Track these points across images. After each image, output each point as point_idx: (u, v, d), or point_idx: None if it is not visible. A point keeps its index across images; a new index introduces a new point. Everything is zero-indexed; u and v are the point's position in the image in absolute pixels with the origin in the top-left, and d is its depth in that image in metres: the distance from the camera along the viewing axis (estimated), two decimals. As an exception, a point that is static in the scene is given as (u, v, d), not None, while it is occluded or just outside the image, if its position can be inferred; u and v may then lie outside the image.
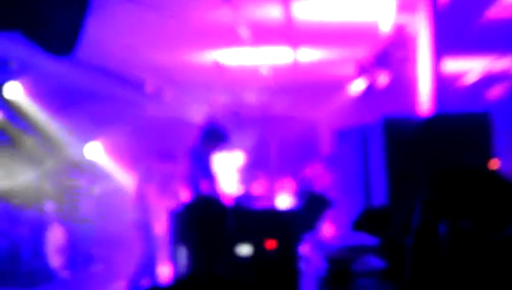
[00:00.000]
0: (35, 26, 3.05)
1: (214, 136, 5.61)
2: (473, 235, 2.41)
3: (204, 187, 5.10)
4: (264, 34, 6.68)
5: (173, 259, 3.69)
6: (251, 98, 11.23)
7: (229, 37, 6.80)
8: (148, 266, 6.71)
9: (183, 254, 3.35)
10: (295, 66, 8.83)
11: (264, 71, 8.79)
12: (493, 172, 3.89)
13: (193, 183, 5.21)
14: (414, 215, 2.39)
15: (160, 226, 6.22)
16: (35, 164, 8.18)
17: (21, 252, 7.05)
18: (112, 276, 7.95)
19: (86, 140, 9.25)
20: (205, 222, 2.26)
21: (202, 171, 5.35)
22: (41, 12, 3.04)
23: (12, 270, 6.97)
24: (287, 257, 3.51)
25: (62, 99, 8.34)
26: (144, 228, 6.70)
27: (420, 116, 4.75)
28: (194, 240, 2.25)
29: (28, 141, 8.23)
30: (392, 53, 6.90)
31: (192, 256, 2.18)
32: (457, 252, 2.29)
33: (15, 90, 7.55)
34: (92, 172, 9.37)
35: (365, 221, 3.30)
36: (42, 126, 8.39)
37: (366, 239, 2.97)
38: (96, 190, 9.45)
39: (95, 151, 9.52)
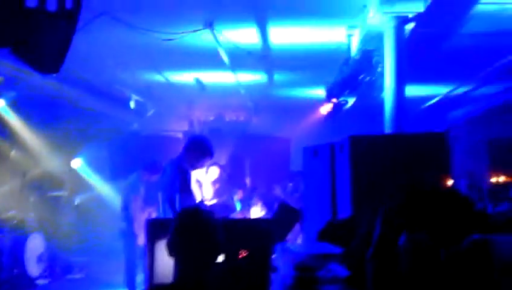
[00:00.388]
0: (24, 44, 3.07)
1: (199, 150, 5.24)
2: (429, 248, 2.51)
3: (182, 200, 5.01)
4: (242, 59, 6.80)
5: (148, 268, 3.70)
6: (230, 115, 11.33)
7: (210, 60, 6.90)
8: (129, 275, 6.69)
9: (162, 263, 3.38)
10: (270, 86, 8.97)
11: (242, 91, 8.91)
12: (450, 189, 4.04)
13: (170, 196, 5.10)
14: (375, 228, 2.48)
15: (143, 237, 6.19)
16: (17, 175, 8.09)
17: (1, 259, 6.93)
18: (90, 284, 7.87)
19: (70, 153, 9.19)
20: (198, 232, 2.27)
21: (182, 184, 5.17)
22: (29, 30, 3.07)
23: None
24: (260, 266, 3.54)
25: (46, 113, 8.30)
26: (129, 237, 6.67)
27: (383, 135, 4.89)
28: (185, 249, 2.25)
29: (11, 153, 8.15)
30: (358, 77, 7.06)
31: (182, 265, 2.21)
32: (414, 264, 2.38)
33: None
34: (74, 183, 9.31)
35: (330, 232, 3.38)
36: (25, 139, 8.32)
37: (331, 248, 3.04)
38: (77, 200, 9.38)
39: (78, 164, 9.46)
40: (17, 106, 7.82)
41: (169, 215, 5.04)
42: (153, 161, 6.91)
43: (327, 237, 3.26)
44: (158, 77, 8.36)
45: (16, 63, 5.59)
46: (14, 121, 8.03)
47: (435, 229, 2.57)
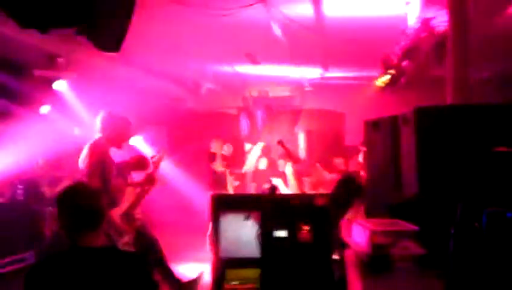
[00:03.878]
0: (89, 24, 3.06)
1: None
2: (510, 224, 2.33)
3: None
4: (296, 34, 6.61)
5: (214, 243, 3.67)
6: (283, 90, 11.19)
7: (263, 35, 6.75)
8: None
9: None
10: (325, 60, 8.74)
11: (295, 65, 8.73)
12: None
13: None
14: (457, 206, 2.32)
15: None
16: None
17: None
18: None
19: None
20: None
21: None
22: (94, 10, 3.05)
23: None
24: (322, 244, 3.45)
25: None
26: None
27: (453, 106, 4.58)
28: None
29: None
30: (418, 46, 6.73)
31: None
32: (497, 241, 2.22)
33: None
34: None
35: (401, 208, 3.23)
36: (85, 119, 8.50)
37: (404, 225, 2.90)
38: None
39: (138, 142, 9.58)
40: (77, 86, 7.97)
41: None
42: None
43: (398, 214, 3.12)
44: (214, 58, 8.29)
45: (77, 43, 5.63)
46: (75, 101, 8.20)
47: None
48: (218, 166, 8.69)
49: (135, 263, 2.31)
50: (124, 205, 4.96)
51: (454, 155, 3.45)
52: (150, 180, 5.26)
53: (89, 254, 2.28)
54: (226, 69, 9.13)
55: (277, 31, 6.32)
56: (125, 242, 4.82)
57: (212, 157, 8.70)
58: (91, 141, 4.85)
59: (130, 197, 5.09)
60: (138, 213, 5.26)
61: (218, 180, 8.56)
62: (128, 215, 4.99)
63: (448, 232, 2.35)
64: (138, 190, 5.21)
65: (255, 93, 11.06)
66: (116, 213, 4.83)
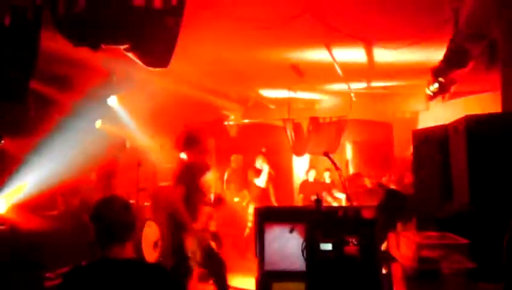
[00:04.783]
0: (136, 41, 3.16)
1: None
2: None
3: None
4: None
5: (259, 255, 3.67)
6: (328, 102, 11.12)
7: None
8: None
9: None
10: (371, 66, 8.63)
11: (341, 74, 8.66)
12: None
13: None
14: (510, 217, 2.23)
15: None
16: (133, 166, 8.50)
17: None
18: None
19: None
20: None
21: None
22: (139, 28, 3.15)
23: None
24: (369, 257, 3.37)
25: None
26: None
27: (504, 113, 4.38)
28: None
29: (126, 145, 8.63)
30: (466, 51, 6.51)
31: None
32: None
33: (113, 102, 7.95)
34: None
35: (450, 220, 3.13)
36: (136, 132, 8.74)
37: (454, 238, 2.81)
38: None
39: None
40: (127, 101, 8.22)
41: None
42: None
43: (448, 226, 3.02)
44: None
45: (126, 60, 5.83)
46: (125, 115, 8.46)
47: None
48: (262, 181, 8.83)
49: (160, 276, 2.37)
50: (201, 222, 5.17)
51: (506, 164, 3.31)
52: (219, 200, 5.62)
53: (114, 266, 2.38)
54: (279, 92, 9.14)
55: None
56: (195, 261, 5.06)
57: (256, 173, 8.88)
58: (179, 160, 5.21)
59: (204, 216, 5.29)
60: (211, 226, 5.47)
61: (262, 194, 8.76)
62: (203, 230, 5.18)
63: (501, 244, 2.25)
64: (209, 209, 5.43)
65: (301, 105, 11.04)
66: (197, 227, 5.04)
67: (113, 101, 7.90)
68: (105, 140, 7.94)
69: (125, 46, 3.41)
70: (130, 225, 2.45)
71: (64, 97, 6.98)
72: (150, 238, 7.81)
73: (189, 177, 5.14)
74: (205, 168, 5.39)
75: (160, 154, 9.21)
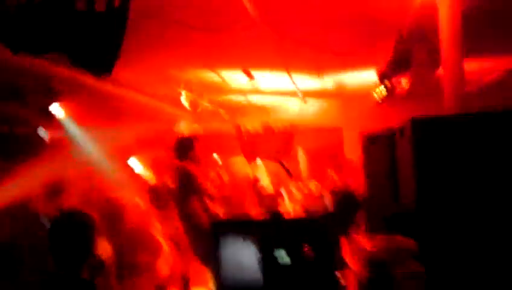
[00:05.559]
0: (77, 47, 3.03)
1: None
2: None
3: None
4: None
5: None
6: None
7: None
8: None
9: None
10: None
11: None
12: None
13: None
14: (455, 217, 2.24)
15: None
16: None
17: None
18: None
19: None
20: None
21: None
22: (81, 33, 3.03)
23: None
24: (325, 262, 3.34)
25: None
26: None
27: (450, 116, 4.45)
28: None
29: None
30: (412, 56, 6.64)
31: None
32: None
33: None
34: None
35: (398, 223, 3.15)
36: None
37: (402, 241, 2.82)
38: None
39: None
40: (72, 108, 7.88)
41: None
42: None
43: (395, 228, 3.04)
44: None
45: (70, 68, 5.63)
46: (73, 125, 8.12)
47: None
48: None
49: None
50: None
51: (451, 167, 3.38)
52: None
53: (64, 284, 2.42)
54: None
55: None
56: None
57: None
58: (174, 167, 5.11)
59: None
60: None
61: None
62: None
63: (448, 245, 2.27)
64: None
65: (255, 111, 11.00)
66: None
67: (58, 110, 7.57)
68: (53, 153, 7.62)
69: (66, 52, 3.27)
70: (82, 246, 2.54)
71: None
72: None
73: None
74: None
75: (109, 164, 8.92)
